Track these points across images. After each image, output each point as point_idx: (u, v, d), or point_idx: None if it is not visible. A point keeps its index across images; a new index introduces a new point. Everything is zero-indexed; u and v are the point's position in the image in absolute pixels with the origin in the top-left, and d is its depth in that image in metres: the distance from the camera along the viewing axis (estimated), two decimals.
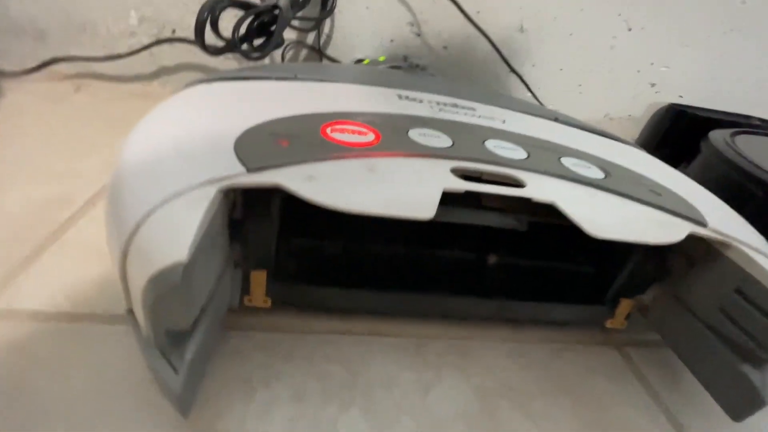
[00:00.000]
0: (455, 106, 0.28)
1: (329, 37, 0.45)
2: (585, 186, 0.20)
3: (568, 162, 0.22)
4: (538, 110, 0.32)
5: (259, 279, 0.19)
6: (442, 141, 0.21)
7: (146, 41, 0.42)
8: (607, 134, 0.31)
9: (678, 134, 0.51)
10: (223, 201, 0.15)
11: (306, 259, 0.21)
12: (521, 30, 0.47)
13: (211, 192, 0.13)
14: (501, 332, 0.22)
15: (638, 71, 0.51)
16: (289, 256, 0.20)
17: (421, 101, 0.27)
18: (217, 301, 0.16)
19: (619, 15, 0.47)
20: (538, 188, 0.18)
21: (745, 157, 0.36)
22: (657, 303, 0.21)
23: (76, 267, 0.21)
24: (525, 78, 0.49)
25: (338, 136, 0.19)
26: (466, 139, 0.22)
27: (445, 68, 0.47)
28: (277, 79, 0.26)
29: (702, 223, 0.19)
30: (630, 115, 0.54)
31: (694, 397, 0.20)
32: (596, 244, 0.22)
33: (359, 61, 0.46)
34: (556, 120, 0.31)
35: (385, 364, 0.19)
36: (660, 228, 0.18)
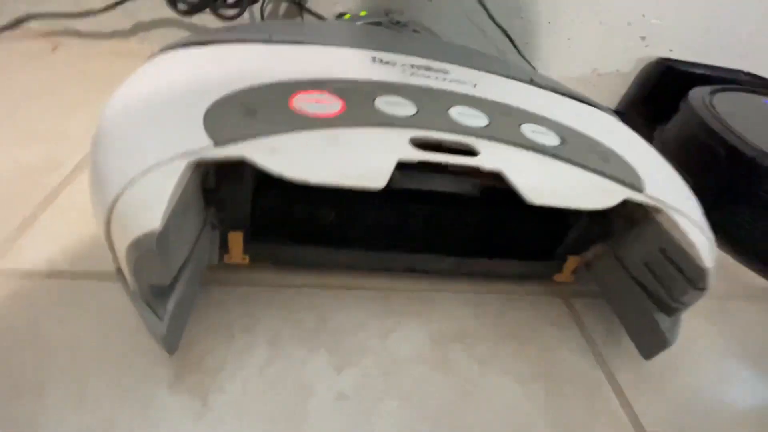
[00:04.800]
0: (428, 69, 0.28)
1: None
2: (536, 153, 0.21)
3: (527, 128, 0.23)
4: (515, 71, 0.32)
5: (236, 239, 0.21)
6: (407, 109, 0.22)
7: None
8: (579, 96, 0.31)
9: (665, 90, 0.51)
10: (196, 171, 0.16)
11: (280, 220, 0.22)
12: None
13: (181, 166, 0.15)
14: (461, 285, 0.24)
15: (629, 23, 0.50)
16: (263, 217, 0.22)
17: (394, 64, 0.27)
18: (196, 258, 0.18)
19: None
20: (490, 156, 0.20)
21: (716, 117, 0.37)
22: (598, 259, 0.24)
23: (71, 230, 0.23)
24: (512, 31, 0.48)
25: (305, 106, 0.20)
26: (431, 107, 0.23)
27: (430, 21, 0.46)
28: (252, 41, 0.26)
29: (639, 189, 0.20)
30: (618, 70, 0.54)
31: (621, 340, 0.23)
32: (548, 208, 0.24)
33: (341, 15, 0.45)
34: (531, 81, 0.31)
35: (354, 313, 0.22)
36: (597, 194, 0.19)
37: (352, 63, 0.26)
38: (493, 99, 0.26)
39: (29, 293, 0.20)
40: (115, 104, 0.18)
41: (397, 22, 0.39)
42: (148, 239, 0.13)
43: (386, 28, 0.37)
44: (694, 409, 0.21)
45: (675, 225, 0.19)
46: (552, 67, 0.52)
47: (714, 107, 0.39)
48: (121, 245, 0.14)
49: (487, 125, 0.22)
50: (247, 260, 0.22)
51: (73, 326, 0.19)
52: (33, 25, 0.41)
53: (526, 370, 0.21)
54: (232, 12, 0.32)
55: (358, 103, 0.21)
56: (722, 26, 0.51)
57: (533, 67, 0.51)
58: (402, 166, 0.18)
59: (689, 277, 0.18)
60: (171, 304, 0.15)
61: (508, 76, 0.31)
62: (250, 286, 0.22)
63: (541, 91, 0.30)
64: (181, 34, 0.27)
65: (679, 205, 0.20)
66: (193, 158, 0.15)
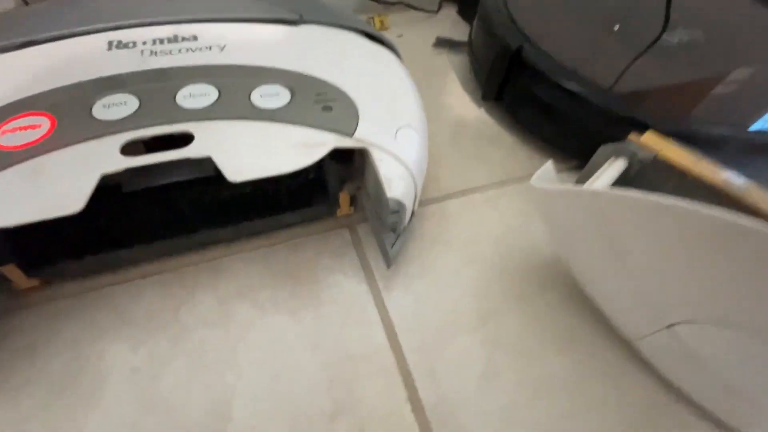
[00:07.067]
0: (174, 40, 0.27)
1: None
2: (255, 122, 0.23)
3: (257, 93, 0.24)
4: (285, 9, 0.31)
5: (11, 270, 0.23)
6: (126, 108, 0.23)
7: None
8: (350, 25, 0.31)
9: None
10: None
11: (54, 239, 0.24)
12: None
13: None
14: (254, 243, 0.28)
15: None
16: (35, 243, 0.24)
17: (133, 45, 0.27)
18: None
19: None
20: (203, 141, 0.22)
21: (499, 8, 0.38)
22: (358, 191, 0.27)
23: None
24: None
25: (9, 139, 0.21)
26: (157, 96, 0.23)
27: None
28: None
29: (349, 134, 0.23)
30: None
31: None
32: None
33: None
34: (300, 19, 0.30)
35: (149, 299, 0.25)
36: (300, 154, 0.22)
37: (83, 58, 0.25)
38: (237, 63, 0.26)
39: None
40: None
41: None
42: None
43: None
44: (434, 300, 0.27)
45: (375, 161, 0.22)
46: None
47: None
48: None
49: (214, 102, 0.24)
50: (37, 282, 0.24)
51: None
52: None
53: (298, 303, 0.25)
54: None
55: (71, 117, 0.22)
56: None
57: None
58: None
59: (384, 203, 0.22)
60: None
61: (271, 21, 0.30)
62: (53, 301, 0.25)
63: (302, 31, 0.30)
64: None
65: (383, 143, 0.23)
66: None
